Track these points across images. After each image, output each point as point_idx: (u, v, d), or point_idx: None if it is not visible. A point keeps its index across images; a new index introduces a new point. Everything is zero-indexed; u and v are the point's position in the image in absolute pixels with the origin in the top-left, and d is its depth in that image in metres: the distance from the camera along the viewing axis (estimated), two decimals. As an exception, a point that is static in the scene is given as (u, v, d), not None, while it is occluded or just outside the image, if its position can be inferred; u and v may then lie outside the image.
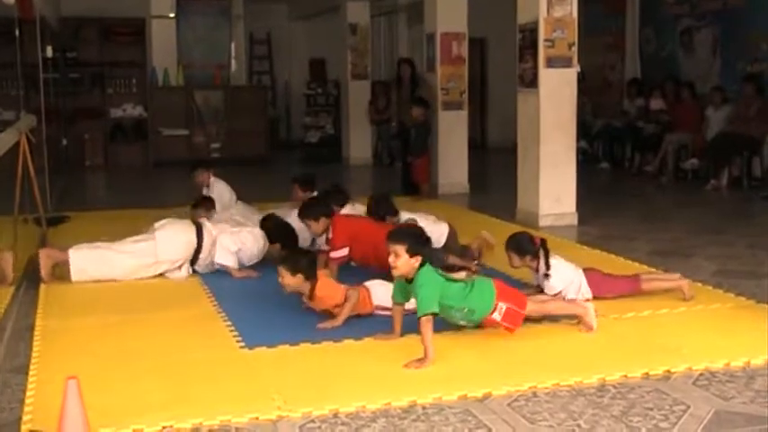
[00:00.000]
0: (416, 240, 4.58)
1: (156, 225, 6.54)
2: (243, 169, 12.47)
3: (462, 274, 5.53)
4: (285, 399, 3.87)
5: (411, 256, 4.48)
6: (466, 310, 4.65)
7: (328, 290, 5.16)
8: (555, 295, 5.31)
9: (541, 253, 5.36)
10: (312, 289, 5.16)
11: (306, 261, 5.24)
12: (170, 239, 6.39)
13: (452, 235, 6.68)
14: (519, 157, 8.75)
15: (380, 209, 6.69)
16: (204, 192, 8.28)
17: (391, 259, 4.53)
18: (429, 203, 9.15)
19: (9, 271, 6.20)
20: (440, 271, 4.67)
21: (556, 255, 5.52)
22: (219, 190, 8.32)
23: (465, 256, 6.48)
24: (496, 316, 4.68)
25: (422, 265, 4.52)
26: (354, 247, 6.17)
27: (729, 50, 11.80)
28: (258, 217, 7.08)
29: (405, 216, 6.74)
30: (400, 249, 4.48)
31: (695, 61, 12.50)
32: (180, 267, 6.44)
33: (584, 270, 5.55)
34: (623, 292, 5.55)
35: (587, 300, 5.35)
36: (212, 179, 8.44)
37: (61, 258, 6.33)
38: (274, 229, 6.67)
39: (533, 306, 4.84)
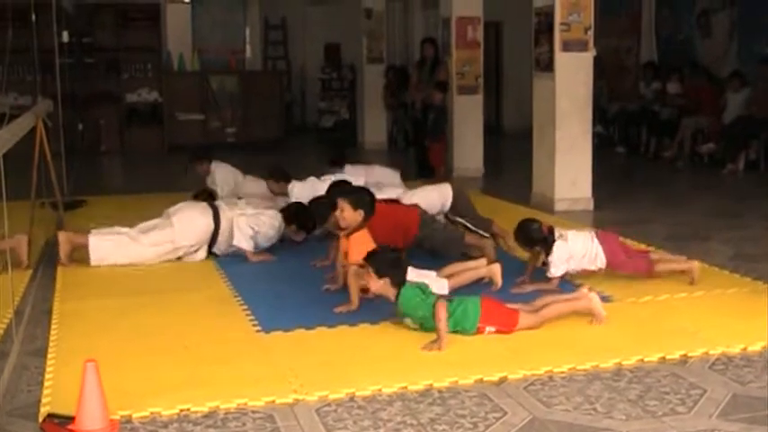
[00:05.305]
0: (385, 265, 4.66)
1: (171, 210, 6.54)
2: (258, 153, 12.45)
3: (482, 261, 5.55)
4: (302, 382, 3.89)
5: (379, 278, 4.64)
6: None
7: (360, 244, 5.14)
8: (560, 277, 5.40)
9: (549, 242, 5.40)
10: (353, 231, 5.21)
11: (369, 198, 5.35)
12: (188, 224, 6.41)
13: (459, 196, 6.58)
14: (534, 142, 8.72)
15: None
16: (208, 181, 8.18)
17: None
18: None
19: (24, 254, 6.22)
20: (422, 286, 4.66)
21: (566, 231, 5.58)
22: (223, 175, 8.25)
23: (483, 224, 6.50)
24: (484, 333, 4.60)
25: (400, 286, 4.58)
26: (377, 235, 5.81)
27: (746, 33, 11.70)
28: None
29: (406, 199, 6.71)
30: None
31: (712, 44, 12.40)
32: (197, 251, 6.47)
33: (601, 234, 5.61)
34: (637, 270, 5.56)
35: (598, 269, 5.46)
36: (213, 165, 8.28)
37: (81, 242, 6.37)
38: (292, 212, 6.69)
39: (528, 320, 4.62)
